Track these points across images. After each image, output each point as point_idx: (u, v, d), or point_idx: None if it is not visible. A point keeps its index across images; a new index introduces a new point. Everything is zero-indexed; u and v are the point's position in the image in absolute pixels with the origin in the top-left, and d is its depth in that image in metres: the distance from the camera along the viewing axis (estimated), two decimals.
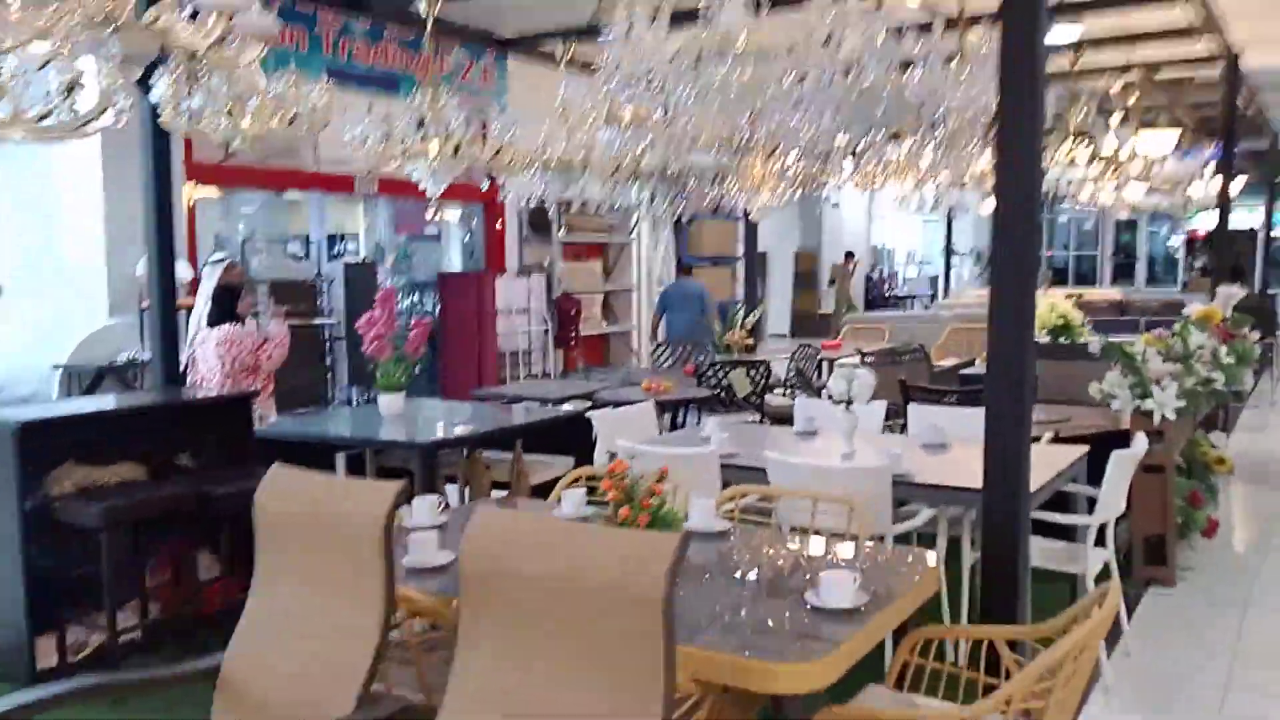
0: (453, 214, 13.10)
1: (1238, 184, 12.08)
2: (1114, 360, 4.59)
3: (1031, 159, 2.82)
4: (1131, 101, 7.83)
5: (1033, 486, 3.29)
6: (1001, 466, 2.94)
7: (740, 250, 15.52)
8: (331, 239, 16.02)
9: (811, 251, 19.39)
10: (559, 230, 11.59)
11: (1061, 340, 7.02)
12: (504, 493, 4.77)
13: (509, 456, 4.78)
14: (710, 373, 6.27)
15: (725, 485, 3.41)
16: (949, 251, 16.73)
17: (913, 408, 4.63)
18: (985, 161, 7.83)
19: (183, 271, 7.93)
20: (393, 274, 15.53)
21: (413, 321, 5.06)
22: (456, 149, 4.73)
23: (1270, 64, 11.39)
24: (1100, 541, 3.55)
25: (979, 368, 7.25)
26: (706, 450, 3.51)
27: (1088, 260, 31.16)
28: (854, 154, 6.50)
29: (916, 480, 3.41)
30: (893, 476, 3.34)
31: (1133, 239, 29.29)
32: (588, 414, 4.56)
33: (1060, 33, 7.80)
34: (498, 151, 4.90)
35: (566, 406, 6.11)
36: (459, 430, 4.69)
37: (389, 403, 4.87)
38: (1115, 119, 6.79)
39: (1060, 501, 3.68)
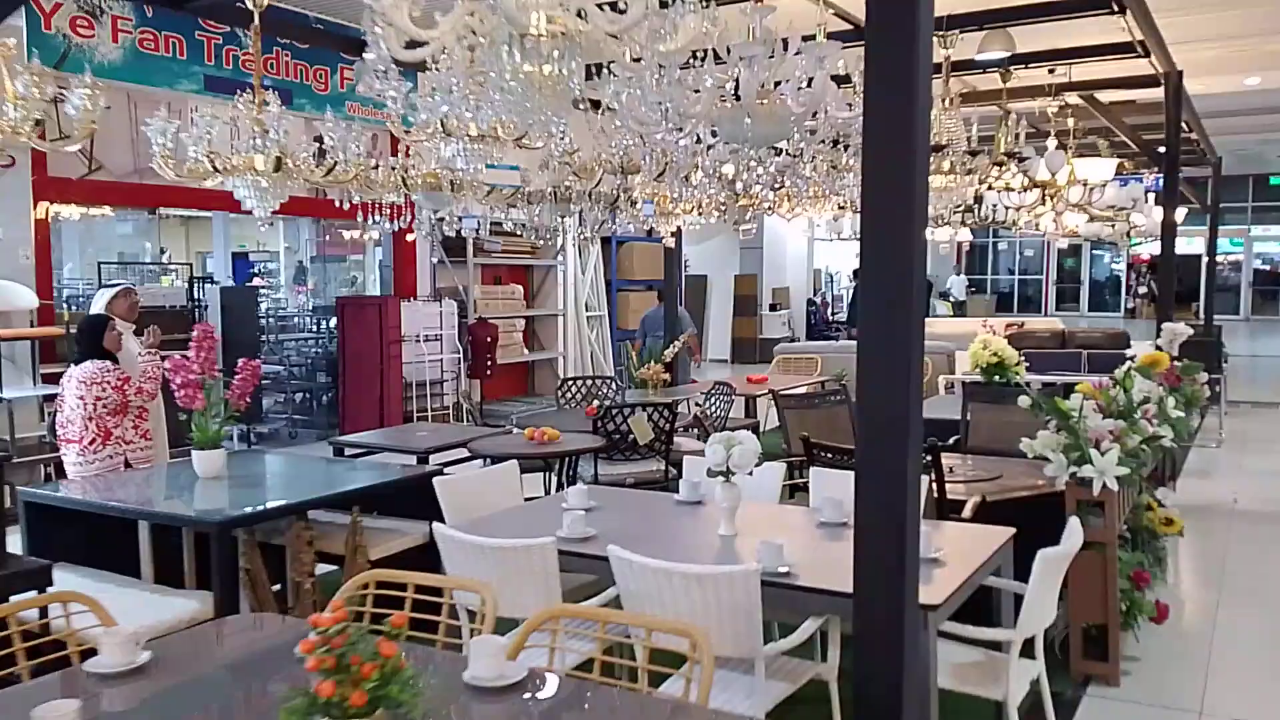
0: (374, 234, 12.35)
1: (1181, 212, 11.71)
2: (1046, 417, 3.96)
3: (908, 188, 2.15)
4: (1070, 124, 7.31)
5: (942, 593, 2.62)
6: (877, 576, 2.24)
7: (672, 275, 14.94)
8: (246, 259, 15.13)
9: (751, 276, 18.82)
10: (474, 253, 10.84)
11: (998, 380, 6.43)
12: (333, 568, 4.00)
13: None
14: (610, 416, 5.56)
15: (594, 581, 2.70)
16: None
17: (815, 473, 3.96)
18: None
19: (25, 299, 7.09)
20: (311, 297, 14.69)
21: (239, 365, 4.29)
22: (279, 164, 3.98)
23: (1208, 90, 11.06)
24: (1029, 651, 2.89)
25: (934, 409, 6.64)
26: (541, 542, 2.79)
27: (1033, 284, 31.13)
28: (771, 178, 5.88)
29: (798, 583, 2.72)
30: (768, 578, 2.65)
31: (1077, 264, 29.25)
32: (437, 478, 3.81)
33: (992, 43, 7.29)
34: (331, 169, 4.15)
35: (442, 458, 5.39)
36: (275, 499, 3.92)
37: (206, 461, 4.09)
38: (1050, 143, 6.25)
39: (978, 601, 3.02)
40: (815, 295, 19.85)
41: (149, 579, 3.93)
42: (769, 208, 6.56)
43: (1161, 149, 6.23)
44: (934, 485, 4.03)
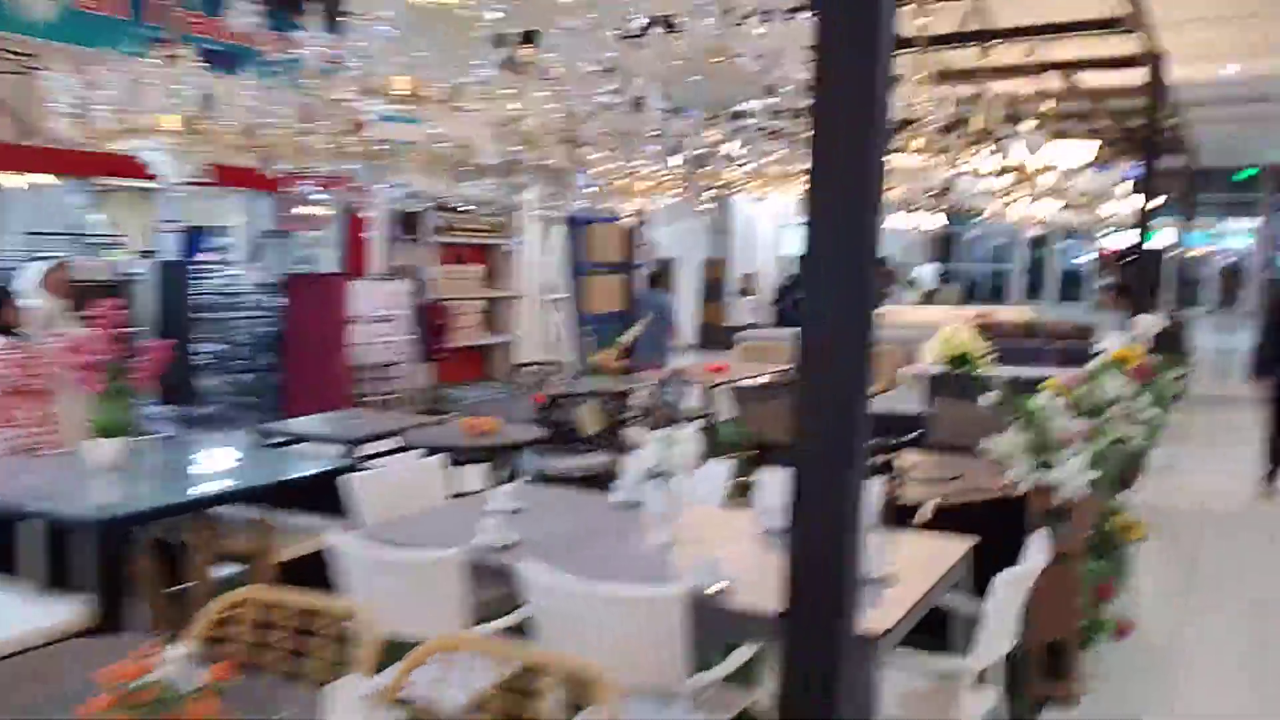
0: (328, 210, 11.92)
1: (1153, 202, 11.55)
2: (1012, 416, 3.71)
3: (861, 154, 1.87)
4: (1046, 107, 7.07)
5: (890, 617, 2.36)
6: (809, 597, 1.97)
7: (635, 257, 14.64)
8: (200, 234, 14.62)
9: (720, 260, 18.55)
10: (430, 231, 10.46)
11: (964, 373, 6.20)
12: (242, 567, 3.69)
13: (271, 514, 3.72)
14: (557, 405, 5.26)
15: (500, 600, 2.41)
16: None
17: (764, 475, 3.68)
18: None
19: None
20: (263, 274, 14.21)
21: (146, 346, 3.95)
22: (192, 126, 3.63)
23: (1193, 77, 10.87)
24: (986, 676, 2.64)
25: (895, 402, 6.39)
26: (442, 555, 2.49)
27: (1003, 274, 31.11)
28: (729, 157, 5.58)
29: (733, 604, 2.45)
30: (698, 600, 2.37)
31: (1046, 255, 29.24)
32: (346, 476, 3.50)
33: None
34: (248, 132, 3.81)
35: (374, 448, 5.07)
36: (174, 494, 3.59)
37: (99, 452, 3.75)
38: (1028, 125, 6.00)
39: (930, 616, 2.77)
40: (786, 281, 19.58)
41: (42, 579, 3.60)
42: (731, 186, 6.26)
43: (1144, 135, 6.00)
44: (887, 489, 3.77)
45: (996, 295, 30.53)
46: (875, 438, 5.38)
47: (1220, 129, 16.80)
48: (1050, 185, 6.83)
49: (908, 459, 4.88)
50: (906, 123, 4.16)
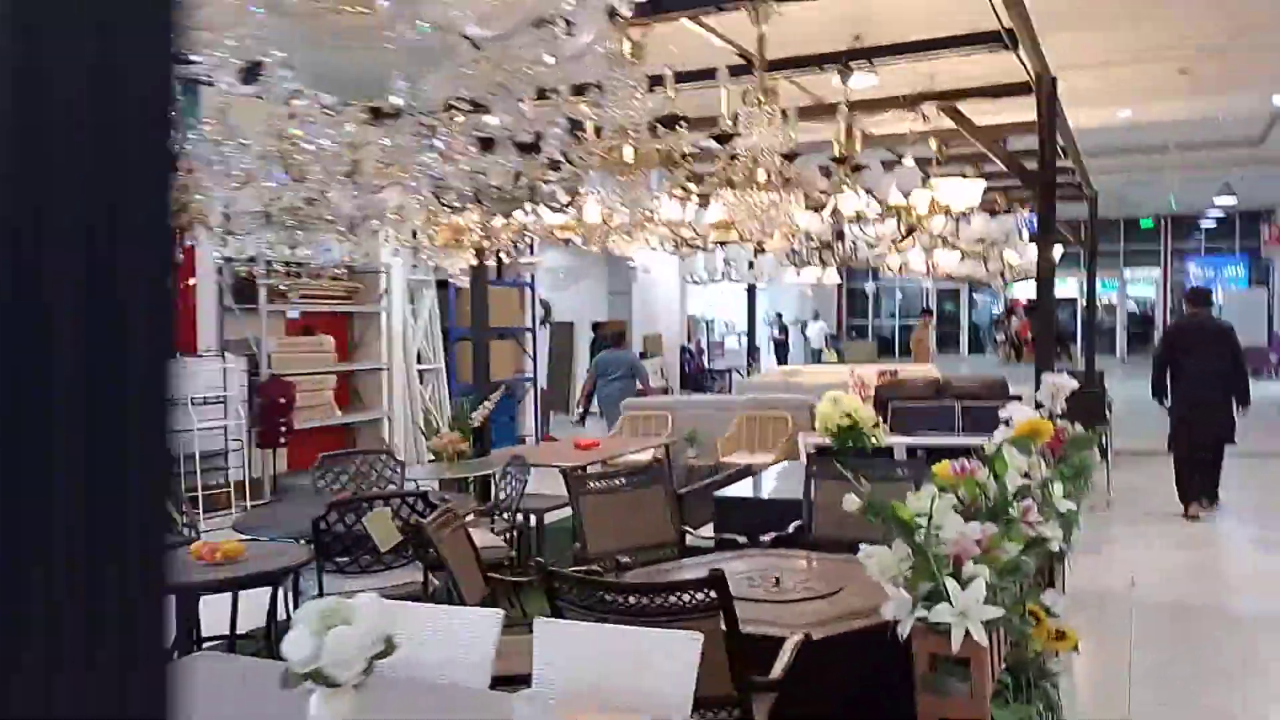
0: None
1: (1055, 251, 10.96)
2: (884, 523, 2.71)
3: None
4: (933, 147, 6.27)
5: None
6: None
7: (527, 320, 13.61)
8: None
9: (620, 323, 17.60)
10: (269, 298, 9.26)
11: (853, 446, 5.25)
12: None
13: None
14: (341, 516, 4.09)
15: None
16: (751, 322, 15.20)
17: (543, 629, 2.57)
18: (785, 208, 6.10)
19: None
20: None
21: None
22: None
23: (1081, 123, 10.39)
24: None
25: (782, 482, 5.39)
26: None
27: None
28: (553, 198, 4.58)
29: None
30: None
31: (957, 307, 29.10)
32: None
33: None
34: None
35: None
36: None
37: None
38: (907, 161, 5.18)
39: None
40: (689, 343, 18.77)
41: None
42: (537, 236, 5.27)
43: (1040, 173, 5.21)
44: (723, 628, 2.72)
45: (909, 351, 30.31)
46: (735, 534, 4.36)
47: (1119, 178, 16.65)
48: (939, 232, 6.01)
49: (778, 565, 3.86)
50: (724, 137, 3.22)
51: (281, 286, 9.55)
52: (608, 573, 3.88)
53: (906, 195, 4.69)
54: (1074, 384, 5.16)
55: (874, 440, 5.23)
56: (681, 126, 2.99)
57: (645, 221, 4.74)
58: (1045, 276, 5.18)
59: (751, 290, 13.92)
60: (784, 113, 3.35)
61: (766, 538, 4.22)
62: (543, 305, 17.92)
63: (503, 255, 5.61)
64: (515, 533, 5.33)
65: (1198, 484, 7.71)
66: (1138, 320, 26.91)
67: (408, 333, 11.18)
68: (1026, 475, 3.27)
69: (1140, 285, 26.88)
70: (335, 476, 5.53)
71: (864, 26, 4.94)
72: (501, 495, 5.36)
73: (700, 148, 3.14)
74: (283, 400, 8.88)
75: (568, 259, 17.30)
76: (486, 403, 6.76)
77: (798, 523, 4.49)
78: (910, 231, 5.56)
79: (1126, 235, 25.34)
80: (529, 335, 13.39)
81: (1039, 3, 4.60)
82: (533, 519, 5.76)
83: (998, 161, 6.73)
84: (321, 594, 4.13)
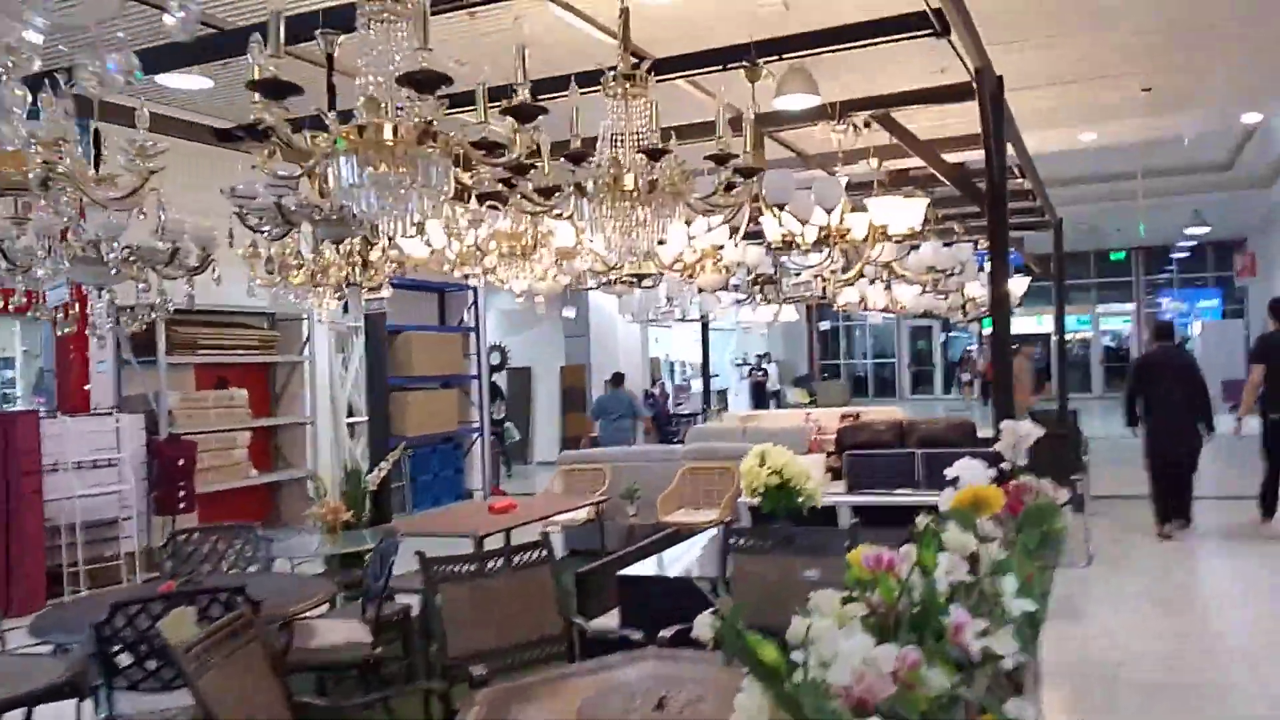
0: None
1: (1020, 283, 10.34)
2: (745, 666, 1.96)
3: None
4: (873, 166, 5.63)
5: None
6: None
7: (474, 366, 12.84)
8: None
9: (579, 366, 16.90)
10: (167, 349, 8.46)
11: (785, 509, 4.51)
12: None
13: None
14: (131, 618, 3.29)
15: None
16: (706, 364, 14.48)
17: None
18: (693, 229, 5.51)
19: None
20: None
21: None
22: None
23: (1042, 147, 9.84)
24: None
25: (679, 557, 4.63)
26: None
27: (889, 367, 30.31)
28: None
29: None
30: None
31: (930, 345, 28.55)
32: None
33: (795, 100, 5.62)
34: None
35: None
36: None
37: None
38: (841, 178, 4.51)
39: None
40: (654, 386, 18.03)
41: None
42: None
43: (988, 184, 4.55)
44: None
45: (883, 390, 29.72)
46: (641, 623, 3.59)
47: (1088, 209, 16.18)
48: (884, 259, 5.33)
49: (675, 671, 3.10)
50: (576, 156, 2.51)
51: (187, 337, 8.80)
52: (459, 684, 3.12)
53: (829, 212, 3.99)
54: (1037, 431, 4.47)
55: (809, 502, 4.50)
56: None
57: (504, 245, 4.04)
58: (999, 305, 4.51)
59: (705, 329, 13.21)
60: (653, 104, 2.66)
61: (668, 632, 3.46)
62: (498, 351, 17.22)
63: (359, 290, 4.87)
64: (396, 622, 4.53)
65: (1171, 504, 8.14)
66: (1114, 354, 26.40)
67: (335, 383, 10.40)
68: (971, 559, 2.55)
69: (1114, 319, 26.43)
70: (185, 559, 4.74)
71: (783, 28, 4.31)
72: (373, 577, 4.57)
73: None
74: (181, 462, 8.07)
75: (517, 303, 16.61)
76: (384, 463, 5.99)
77: (712, 610, 3.73)
78: (847, 261, 4.88)
79: (1098, 269, 24.93)
80: (474, 383, 12.62)
81: (986, 13, 4.00)
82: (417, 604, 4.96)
83: (950, 185, 6.09)
84: (112, 717, 3.34)
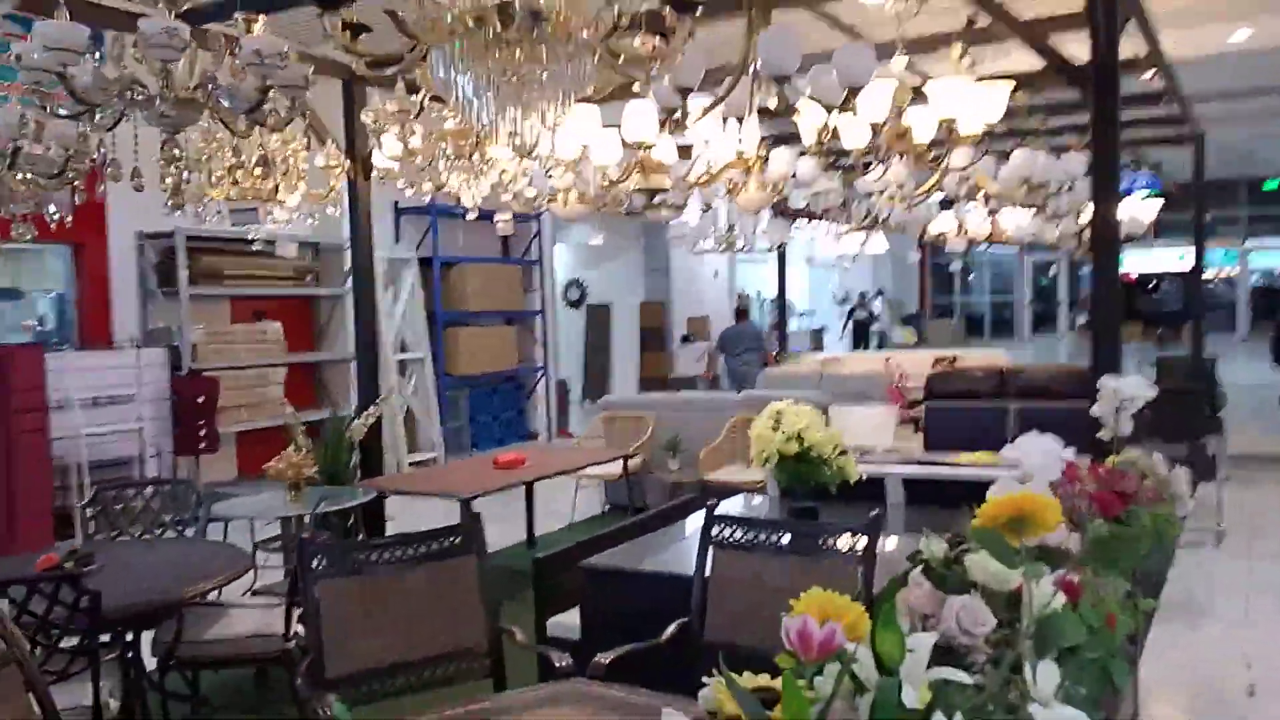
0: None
1: (1147, 207, 8.87)
2: None
3: None
4: (956, 53, 4.45)
5: None
6: None
7: (538, 302, 12.06)
8: None
9: (659, 304, 15.97)
10: (190, 279, 7.93)
11: (802, 485, 3.54)
12: None
13: None
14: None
15: None
16: (782, 296, 13.28)
17: None
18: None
19: None
20: None
21: None
22: None
23: (1184, 52, 8.28)
24: None
25: (662, 545, 3.75)
26: None
27: (1011, 306, 28.27)
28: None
29: None
30: None
31: (1054, 280, 26.42)
32: None
33: None
34: None
35: None
36: None
37: None
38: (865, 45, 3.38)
39: None
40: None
41: None
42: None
43: (1095, 64, 3.37)
44: None
45: (1001, 330, 27.77)
46: (611, 626, 2.72)
47: (1240, 130, 14.10)
48: (959, 167, 4.19)
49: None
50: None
51: (223, 266, 8.27)
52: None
53: (852, 98, 2.90)
54: (1146, 391, 3.35)
55: (839, 475, 3.52)
56: None
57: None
58: (1104, 228, 3.39)
59: (781, 262, 12.07)
60: None
61: (607, 656, 2.58)
62: (576, 286, 16.43)
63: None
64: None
65: None
66: (1263, 294, 23.84)
67: (382, 318, 9.78)
68: (1011, 608, 1.57)
69: (1267, 255, 23.79)
70: (114, 518, 4.10)
71: None
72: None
73: None
74: (200, 399, 7.57)
75: (597, 232, 15.71)
76: (371, 408, 5.24)
77: (682, 621, 2.84)
78: (903, 161, 3.79)
79: (1250, 198, 22.36)
80: (538, 319, 11.85)
81: None
82: None
83: (1055, 76, 4.82)
84: None
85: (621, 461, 5.93)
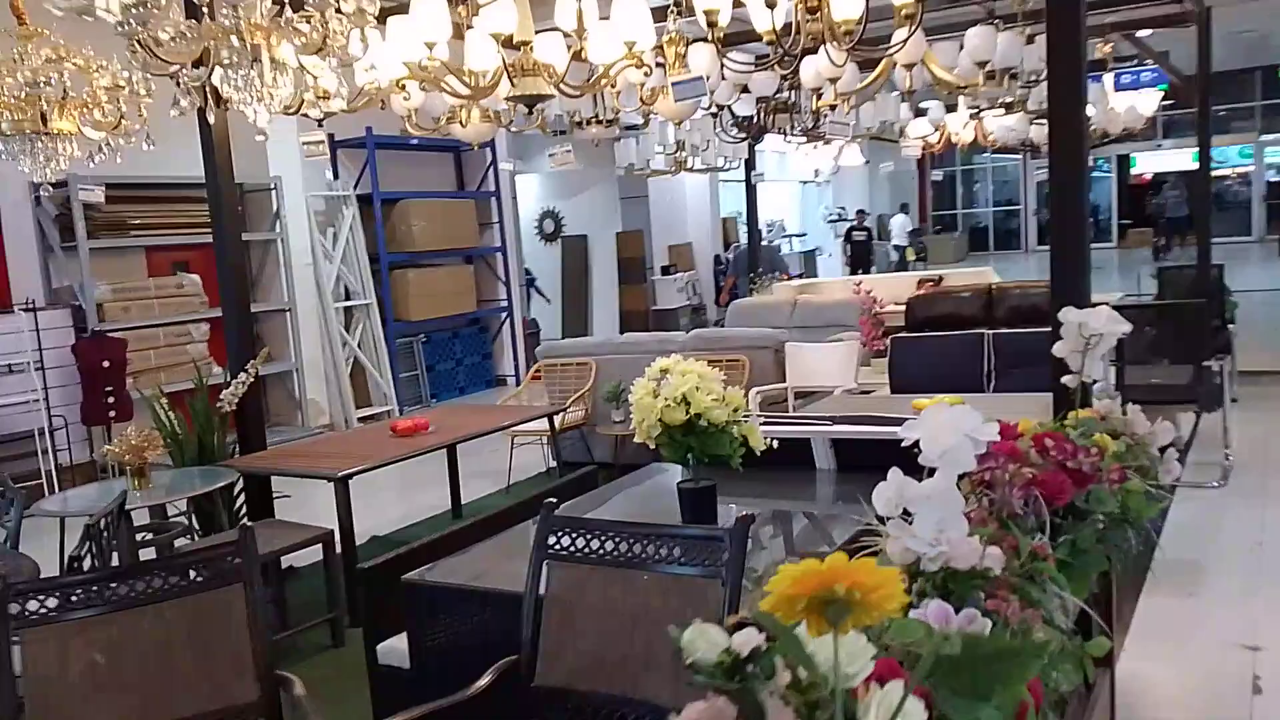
0: None
1: (1145, 100, 8.00)
2: None
3: None
4: None
5: None
6: None
7: (497, 238, 11.25)
8: None
9: (637, 233, 15.15)
10: (89, 230, 7.20)
11: (702, 457, 2.85)
12: None
13: None
14: None
15: None
16: (752, 219, 12.39)
17: None
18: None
19: None
20: None
21: None
22: None
23: None
24: None
25: (505, 547, 3.10)
26: None
27: (1017, 217, 27.22)
28: None
29: None
30: None
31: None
32: None
33: None
34: None
35: None
36: None
37: None
38: None
39: None
40: (727, 251, 16.10)
41: None
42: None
43: None
44: None
45: (1007, 243, 26.76)
46: (442, 649, 2.04)
47: (1245, 10, 12.97)
48: (904, 58, 3.39)
49: None
50: None
51: (130, 216, 7.53)
52: None
53: None
54: (1117, 326, 2.63)
55: (737, 449, 2.83)
56: None
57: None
58: (1065, 119, 2.63)
59: (749, 182, 11.21)
60: None
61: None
62: (551, 218, 15.61)
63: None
64: None
65: None
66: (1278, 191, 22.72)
67: (319, 264, 9.06)
68: None
69: None
70: None
71: None
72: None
73: None
74: (106, 363, 6.91)
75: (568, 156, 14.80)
76: (244, 373, 4.55)
77: (509, 660, 2.18)
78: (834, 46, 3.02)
79: (1265, 89, 21.13)
80: (499, 256, 11.09)
81: None
82: None
83: None
84: None
85: (547, 420, 5.24)
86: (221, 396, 4.52)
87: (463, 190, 11.00)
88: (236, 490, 4.51)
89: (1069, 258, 2.71)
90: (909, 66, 3.68)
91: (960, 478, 1.94)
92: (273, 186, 8.59)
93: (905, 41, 3.03)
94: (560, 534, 2.21)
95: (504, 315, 11.21)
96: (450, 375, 10.65)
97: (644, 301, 14.94)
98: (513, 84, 3.50)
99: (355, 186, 9.56)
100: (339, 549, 4.00)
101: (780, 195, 20.21)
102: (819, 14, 3.10)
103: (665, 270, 15.12)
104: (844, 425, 3.31)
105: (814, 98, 4.98)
